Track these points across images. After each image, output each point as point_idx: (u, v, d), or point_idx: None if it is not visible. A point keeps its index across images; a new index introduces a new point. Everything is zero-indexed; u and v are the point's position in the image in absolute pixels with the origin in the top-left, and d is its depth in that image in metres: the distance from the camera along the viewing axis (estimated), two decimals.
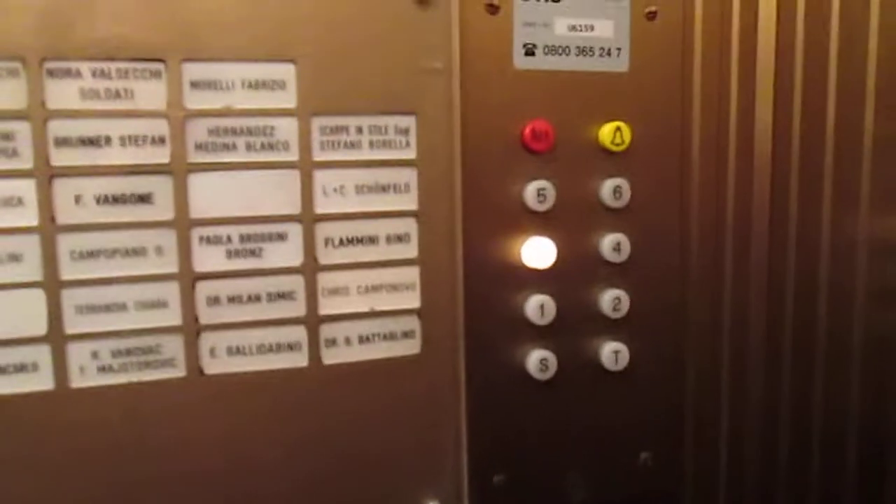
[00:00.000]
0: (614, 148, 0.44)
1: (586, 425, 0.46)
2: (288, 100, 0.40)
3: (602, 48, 0.44)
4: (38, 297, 0.38)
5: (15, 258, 0.37)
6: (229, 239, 0.40)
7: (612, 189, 0.44)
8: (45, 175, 0.37)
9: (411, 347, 0.43)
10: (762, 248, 0.49)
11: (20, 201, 0.37)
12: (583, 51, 0.44)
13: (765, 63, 0.47)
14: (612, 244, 0.44)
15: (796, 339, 0.49)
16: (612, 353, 0.45)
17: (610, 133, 0.44)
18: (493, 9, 0.42)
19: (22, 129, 0.37)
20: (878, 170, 0.48)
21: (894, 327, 0.50)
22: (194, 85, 0.39)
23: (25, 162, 0.37)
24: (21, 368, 0.38)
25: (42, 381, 0.38)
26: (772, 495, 0.51)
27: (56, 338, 0.38)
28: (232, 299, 0.40)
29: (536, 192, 0.43)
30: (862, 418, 0.51)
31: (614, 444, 0.47)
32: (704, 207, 0.47)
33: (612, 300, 0.45)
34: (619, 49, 0.44)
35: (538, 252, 0.43)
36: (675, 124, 0.45)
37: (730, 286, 0.48)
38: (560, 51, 0.43)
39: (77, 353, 0.39)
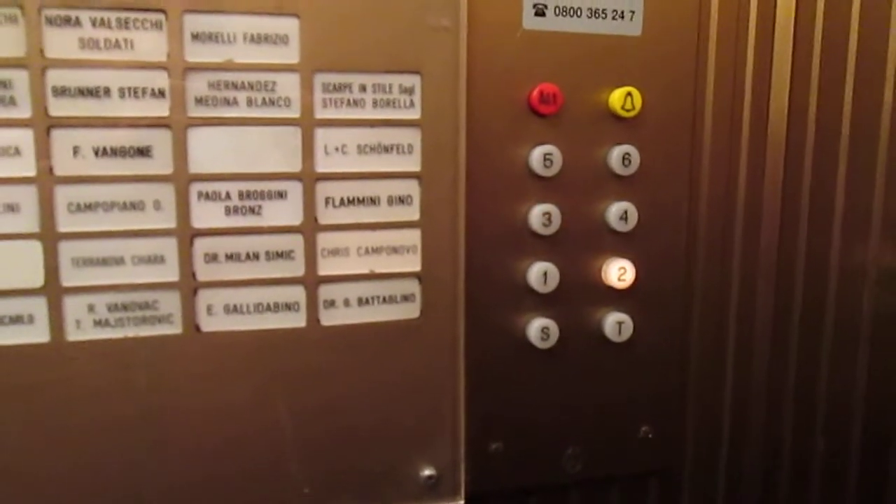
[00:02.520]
0: (624, 114, 0.43)
1: (586, 396, 0.46)
2: (290, 55, 0.39)
3: (615, 10, 0.43)
4: (34, 249, 0.38)
5: (12, 209, 0.37)
6: (228, 195, 0.39)
7: (620, 156, 0.43)
8: (44, 125, 0.37)
9: (411, 311, 0.42)
10: (773, 224, 0.48)
11: (17, 151, 0.37)
12: (595, 13, 0.42)
13: (783, 30, 0.46)
14: (618, 213, 0.44)
15: (804, 316, 0.48)
16: (616, 323, 0.44)
17: (620, 98, 0.43)
18: None
19: (20, 78, 0.36)
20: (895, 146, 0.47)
21: None
22: (195, 37, 0.38)
23: (23, 111, 0.36)
24: (17, 320, 0.38)
25: (38, 334, 0.38)
26: (773, 474, 0.50)
27: (52, 290, 0.38)
28: (230, 257, 0.40)
29: (543, 157, 0.42)
30: (867, 399, 0.50)
31: (614, 417, 0.46)
32: (715, 179, 0.46)
33: (617, 270, 0.44)
34: (632, 12, 0.43)
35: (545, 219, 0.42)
36: (687, 92, 0.44)
37: (738, 261, 0.48)
38: (571, 12, 0.42)
39: (73, 307, 0.38)
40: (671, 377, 0.47)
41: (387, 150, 0.41)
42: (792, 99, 0.46)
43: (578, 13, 0.42)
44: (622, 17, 0.43)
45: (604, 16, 0.42)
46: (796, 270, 0.48)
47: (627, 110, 0.43)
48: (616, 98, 0.43)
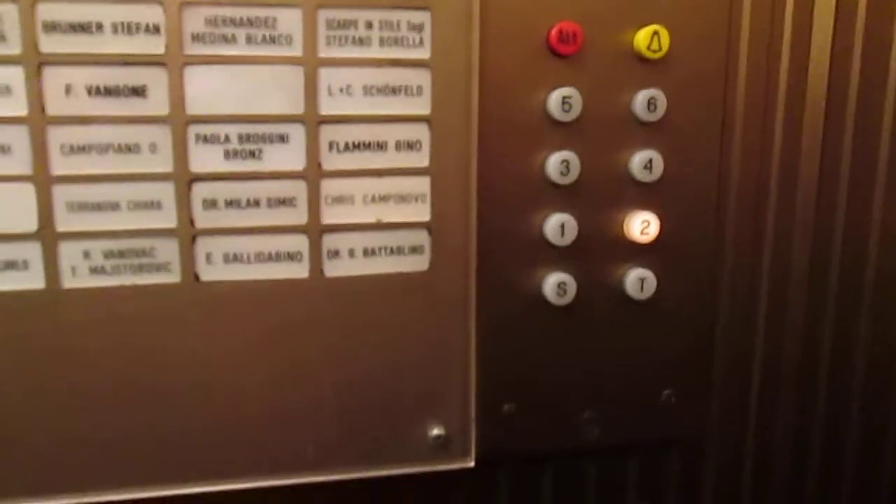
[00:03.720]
0: (650, 55, 0.40)
1: (605, 357, 0.43)
2: None
3: None
4: (28, 192, 0.36)
5: (3, 150, 0.36)
6: (227, 138, 0.37)
7: (645, 101, 0.40)
8: (34, 62, 0.35)
9: (419, 263, 0.40)
10: (811, 178, 0.44)
11: (8, 89, 0.35)
12: None
13: None
14: (642, 161, 0.41)
15: (842, 275, 0.45)
16: (638, 280, 0.42)
17: (646, 38, 0.40)
18: None
19: (8, 12, 0.35)
20: None
21: None
22: None
23: (13, 48, 0.35)
24: (11, 265, 0.37)
25: (33, 280, 0.37)
26: (805, 443, 0.47)
27: (47, 235, 0.37)
28: (229, 203, 0.38)
29: (561, 100, 0.39)
30: None
31: (635, 379, 0.44)
32: (749, 128, 0.43)
33: (640, 223, 0.41)
34: None
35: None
36: (720, 31, 0.41)
37: (773, 216, 0.44)
38: None
39: (69, 253, 0.37)
40: (697, 338, 0.44)
41: (394, 91, 0.39)
42: (835, 41, 0.43)
43: None
44: None
45: None
46: (835, 226, 0.44)
47: (654, 51, 0.40)
48: (641, 37, 0.40)
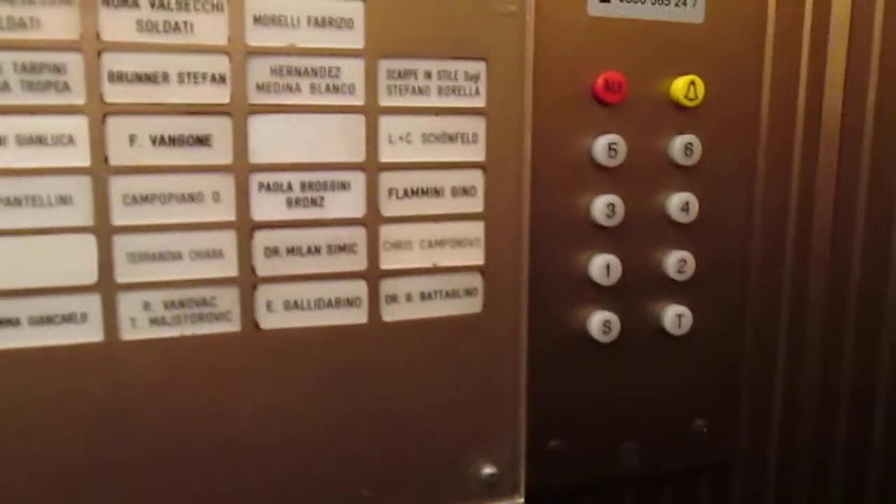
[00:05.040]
0: (687, 103, 0.42)
1: (645, 390, 0.45)
2: (355, 40, 0.37)
3: None
4: (88, 243, 0.36)
5: (64, 201, 0.35)
6: (290, 186, 0.38)
7: (683, 146, 0.42)
8: (99, 112, 0.35)
9: (473, 306, 0.41)
10: (826, 216, 0.47)
11: (71, 140, 0.35)
12: (658, 0, 0.41)
13: (839, 22, 0.45)
14: (680, 203, 0.43)
15: (859, 307, 0.48)
16: (676, 316, 0.44)
17: (683, 87, 0.42)
18: None
19: (74, 62, 0.34)
20: None
21: None
22: (257, 20, 0.36)
23: (77, 98, 0.34)
24: (69, 318, 0.36)
25: (91, 333, 0.36)
26: (826, 467, 0.50)
27: (107, 287, 0.36)
28: (291, 251, 0.38)
29: (607, 147, 0.41)
30: None
31: (671, 410, 0.46)
32: (770, 169, 0.46)
33: (677, 262, 0.43)
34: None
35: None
36: (748, 82, 0.44)
37: (791, 253, 0.47)
38: None
39: (128, 304, 0.36)
40: (726, 369, 0.46)
41: (451, 139, 0.39)
42: (846, 93, 0.46)
43: (643, 0, 0.41)
44: (685, 4, 0.42)
45: (667, 2, 0.42)
46: (852, 260, 0.47)
47: (690, 99, 0.42)
48: (679, 86, 0.42)
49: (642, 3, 0.41)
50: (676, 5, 0.42)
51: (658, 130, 0.42)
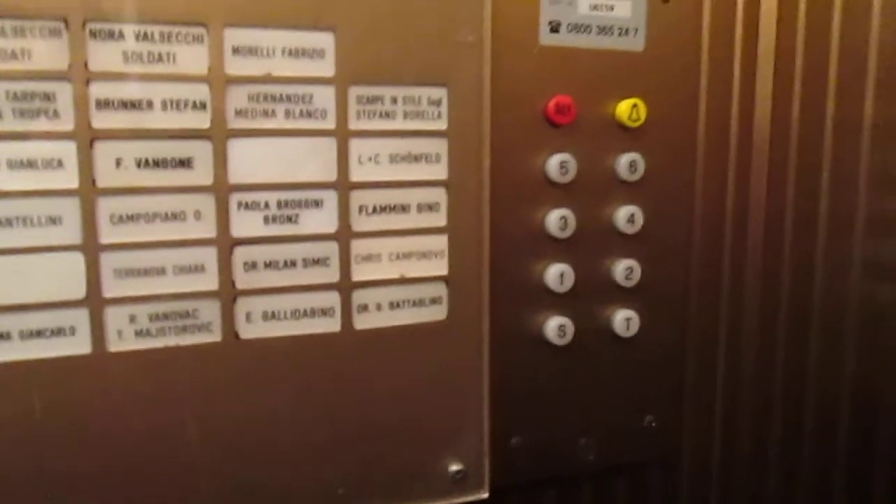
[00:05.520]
0: (631, 124, 0.46)
1: (598, 389, 0.48)
2: (327, 68, 0.40)
3: (621, 27, 0.46)
4: (77, 261, 0.38)
5: (54, 221, 0.37)
6: (267, 205, 0.40)
7: (628, 163, 0.46)
8: (87, 137, 0.37)
9: (438, 313, 0.44)
10: (759, 224, 0.52)
11: (60, 163, 0.37)
12: (603, 30, 0.45)
13: (765, 50, 0.50)
14: (626, 216, 0.47)
15: (790, 310, 0.52)
16: (624, 320, 0.47)
17: (627, 109, 0.46)
18: None
19: (63, 90, 0.36)
20: (876, 152, 0.51)
21: (888, 301, 0.53)
22: (236, 50, 0.39)
23: (66, 124, 0.37)
24: (58, 332, 0.38)
25: (79, 345, 0.38)
26: (765, 457, 0.54)
27: (94, 301, 0.38)
28: (268, 265, 0.41)
29: (559, 165, 0.45)
30: (854, 387, 0.54)
31: (623, 408, 0.49)
32: (708, 183, 0.50)
33: (625, 269, 0.47)
34: (636, 29, 0.46)
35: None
36: (687, 102, 0.48)
37: (728, 261, 0.51)
38: (582, 29, 0.45)
39: (115, 317, 0.39)
40: (671, 368, 0.50)
41: (416, 159, 0.43)
42: (774, 113, 0.50)
43: (589, 30, 0.45)
44: (627, 34, 0.46)
45: (611, 32, 0.46)
46: (782, 267, 0.52)
47: (634, 120, 0.46)
48: (623, 109, 0.46)
49: (588, 33, 0.45)
50: (619, 35, 0.46)
51: (605, 149, 0.46)
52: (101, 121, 0.37)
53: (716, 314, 0.52)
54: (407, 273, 0.43)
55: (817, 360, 0.53)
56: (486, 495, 0.46)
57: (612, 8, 0.45)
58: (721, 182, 0.50)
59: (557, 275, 0.45)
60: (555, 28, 0.44)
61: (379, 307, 0.43)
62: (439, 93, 0.43)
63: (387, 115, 0.42)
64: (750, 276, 0.52)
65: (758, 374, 0.53)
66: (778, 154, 0.51)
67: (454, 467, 0.45)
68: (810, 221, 0.52)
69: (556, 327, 0.46)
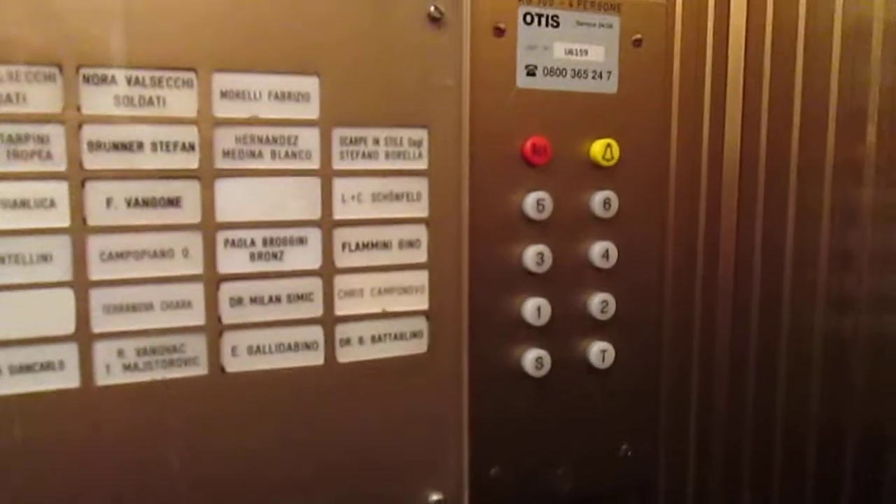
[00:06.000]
0: (605, 163, 0.48)
1: (575, 419, 0.50)
2: (311, 111, 0.42)
3: (594, 71, 0.48)
4: (66, 297, 0.39)
5: (45, 258, 0.38)
6: (253, 242, 0.42)
7: (602, 201, 0.48)
8: (78, 178, 0.38)
9: (419, 347, 0.45)
10: (729, 256, 0.54)
11: (52, 203, 0.38)
12: (577, 73, 0.47)
13: (734, 90, 0.52)
14: (601, 251, 0.48)
15: (759, 342, 0.54)
16: (600, 352, 0.49)
17: (601, 149, 0.48)
18: (499, 32, 0.45)
19: (56, 133, 0.38)
20: (838, 188, 0.54)
21: (851, 333, 0.55)
22: (224, 94, 0.40)
23: (58, 165, 0.38)
24: (47, 366, 0.39)
25: (68, 380, 0.39)
26: (738, 482, 0.56)
27: (83, 336, 0.39)
28: (254, 300, 0.42)
29: (536, 203, 0.46)
30: (821, 417, 0.56)
31: (599, 437, 0.51)
32: (679, 220, 0.52)
33: (600, 303, 0.49)
34: (609, 72, 0.48)
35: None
36: (658, 142, 0.50)
37: (700, 292, 0.53)
38: (558, 72, 0.47)
39: (103, 352, 0.40)
40: (646, 398, 0.52)
41: (398, 197, 0.44)
42: (743, 148, 0.53)
43: (564, 73, 0.47)
44: (601, 77, 0.48)
45: (585, 76, 0.48)
46: (751, 300, 0.54)
47: (607, 159, 0.48)
48: (597, 149, 0.48)
49: (564, 76, 0.47)
50: (593, 78, 0.48)
51: (580, 187, 0.48)
52: (93, 162, 0.38)
53: (689, 345, 0.53)
54: (388, 307, 0.45)
55: (786, 387, 0.55)
56: None
57: (586, 52, 0.47)
58: (692, 218, 0.52)
59: (535, 308, 0.47)
60: (531, 72, 0.46)
61: (361, 341, 0.44)
62: (420, 133, 0.44)
63: (369, 156, 0.43)
64: (721, 308, 0.54)
65: (729, 401, 0.55)
66: (747, 190, 0.53)
67: (434, 497, 0.46)
68: (777, 255, 0.54)
69: (533, 359, 0.47)
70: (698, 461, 0.55)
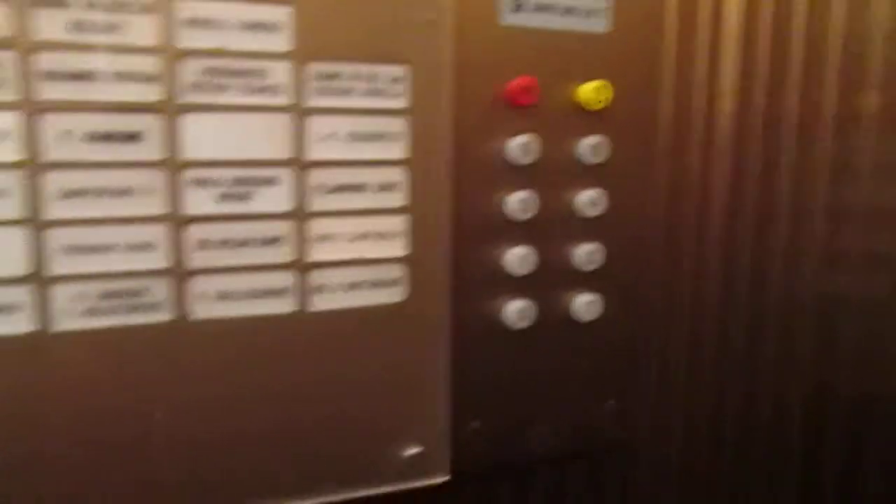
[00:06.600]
0: (595, 106, 0.45)
1: (559, 373, 0.48)
2: (283, 43, 0.39)
3: (586, 9, 0.45)
4: (20, 236, 0.37)
5: None
6: (220, 182, 0.39)
7: (591, 146, 0.46)
8: (32, 108, 0.36)
9: (397, 295, 0.44)
10: (722, 204, 0.51)
11: (4, 134, 0.36)
12: (568, 10, 0.45)
13: (730, 28, 0.50)
14: (589, 199, 0.46)
15: (750, 291, 0.52)
16: (586, 304, 0.47)
17: (591, 91, 0.45)
18: None
19: (6, 59, 0.35)
20: (838, 142, 0.51)
21: (842, 290, 0.53)
22: (188, 23, 0.38)
23: (11, 94, 0.35)
24: (1, 310, 0.37)
25: (22, 324, 0.37)
26: (722, 440, 0.55)
27: (39, 279, 0.37)
28: (221, 244, 0.40)
29: (521, 146, 0.44)
30: (806, 374, 0.55)
31: (584, 392, 0.49)
32: (671, 165, 0.50)
33: (587, 253, 0.47)
34: (601, 10, 0.45)
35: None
36: (651, 86, 0.47)
37: (690, 242, 0.51)
38: (547, 8, 0.44)
39: (61, 295, 0.38)
40: (633, 353, 0.50)
41: (376, 137, 0.42)
42: (741, 89, 0.50)
43: (553, 10, 0.44)
44: (591, 15, 0.45)
45: (575, 13, 0.45)
46: (743, 250, 0.52)
47: (598, 103, 0.45)
48: (587, 90, 0.45)
49: (553, 13, 0.44)
50: (585, 16, 0.45)
51: (568, 131, 0.46)
52: (47, 92, 0.36)
53: (679, 295, 0.52)
54: (365, 254, 0.43)
55: (774, 341, 0.54)
56: (447, 478, 0.46)
57: None
58: (684, 164, 0.50)
59: (518, 258, 0.45)
60: (519, 7, 0.44)
61: (335, 288, 0.42)
62: (400, 70, 0.42)
63: (346, 93, 0.41)
64: (711, 257, 0.52)
65: (718, 354, 0.53)
66: (741, 137, 0.51)
67: (414, 450, 0.45)
68: (771, 205, 0.52)
69: (516, 311, 0.45)
70: (685, 418, 0.53)
